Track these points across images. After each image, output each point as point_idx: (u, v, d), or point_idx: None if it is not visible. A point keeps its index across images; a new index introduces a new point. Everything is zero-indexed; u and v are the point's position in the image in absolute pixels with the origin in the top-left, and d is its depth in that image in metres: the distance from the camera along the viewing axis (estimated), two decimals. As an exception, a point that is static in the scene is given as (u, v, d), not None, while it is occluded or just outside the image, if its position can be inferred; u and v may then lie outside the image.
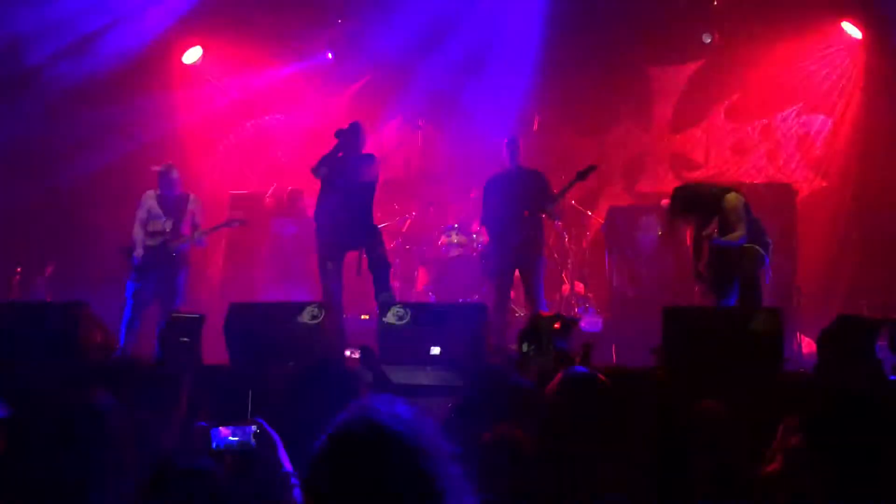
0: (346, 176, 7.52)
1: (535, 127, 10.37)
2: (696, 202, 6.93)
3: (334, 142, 7.68)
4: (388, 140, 11.54)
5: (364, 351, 5.72)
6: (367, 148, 8.03)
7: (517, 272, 8.10)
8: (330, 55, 11.49)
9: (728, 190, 6.92)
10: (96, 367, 5.60)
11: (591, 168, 8.05)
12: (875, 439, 2.80)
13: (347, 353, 6.59)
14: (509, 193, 8.12)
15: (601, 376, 3.04)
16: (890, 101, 10.12)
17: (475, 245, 9.59)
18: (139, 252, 8.05)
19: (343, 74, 11.60)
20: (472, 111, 10.86)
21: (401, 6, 10.61)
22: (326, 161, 7.63)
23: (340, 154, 7.62)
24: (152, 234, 8.16)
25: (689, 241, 7.31)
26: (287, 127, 11.81)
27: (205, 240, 8.39)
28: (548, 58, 10.69)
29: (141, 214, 8.22)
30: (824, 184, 10.75)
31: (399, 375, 5.96)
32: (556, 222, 8.97)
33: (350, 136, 7.65)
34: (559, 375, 3.07)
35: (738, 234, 6.71)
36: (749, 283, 6.87)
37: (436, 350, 6.28)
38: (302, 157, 11.47)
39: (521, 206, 8.05)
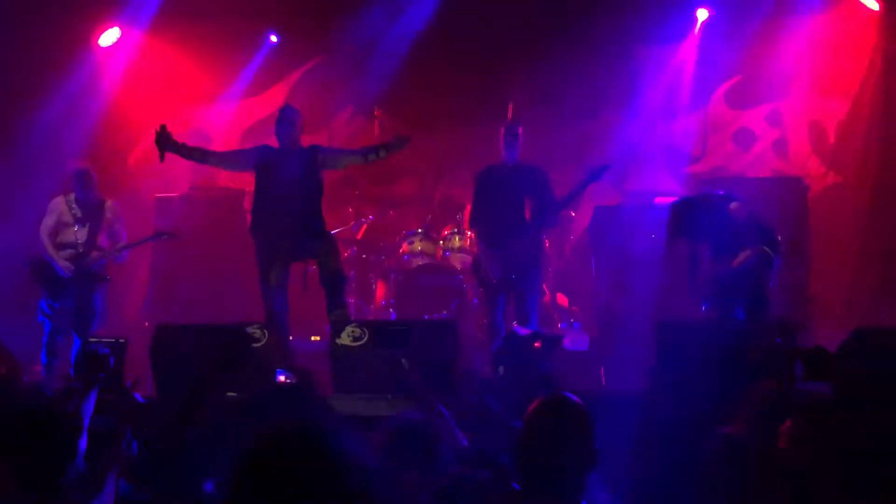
0: (286, 173, 7.44)
1: (510, 115, 10.38)
2: (697, 217, 7.02)
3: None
4: (338, 132, 11.50)
5: (301, 376, 5.66)
6: (314, 140, 7.97)
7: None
8: (273, 37, 11.45)
9: (729, 199, 7.04)
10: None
11: (605, 167, 8.05)
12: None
13: (281, 378, 6.48)
14: (504, 193, 8.08)
15: (576, 399, 3.15)
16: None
17: (443, 253, 9.59)
18: (65, 265, 7.92)
19: (288, 57, 11.57)
20: (436, 97, 10.86)
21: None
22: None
23: (277, 146, 7.56)
24: (62, 246, 8.03)
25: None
26: (222, 117, 11.74)
27: (125, 254, 8.29)
28: (521, 36, 10.72)
29: (48, 222, 8.09)
30: (839, 178, 10.84)
31: (354, 405, 5.94)
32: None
33: (284, 125, 7.57)
34: (536, 402, 3.16)
35: (747, 253, 6.85)
36: (756, 291, 6.94)
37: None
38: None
39: (519, 208, 8.06)
